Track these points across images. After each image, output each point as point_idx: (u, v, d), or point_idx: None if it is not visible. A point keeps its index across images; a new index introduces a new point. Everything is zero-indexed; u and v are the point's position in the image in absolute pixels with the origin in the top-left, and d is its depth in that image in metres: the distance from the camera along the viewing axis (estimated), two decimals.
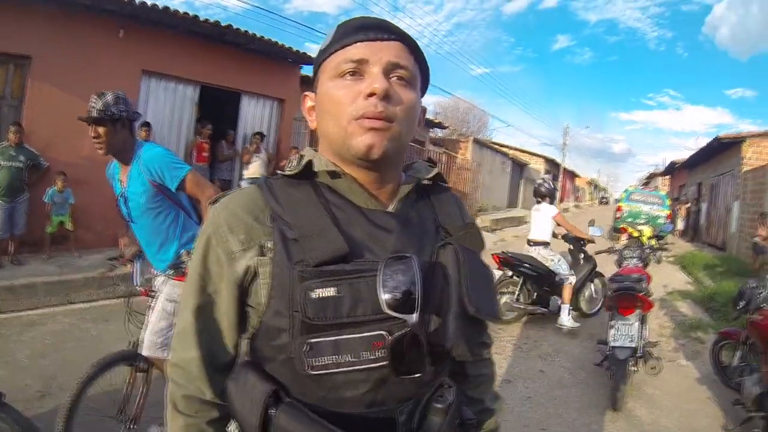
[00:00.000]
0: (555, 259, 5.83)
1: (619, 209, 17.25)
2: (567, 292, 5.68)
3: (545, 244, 5.94)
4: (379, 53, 0.85)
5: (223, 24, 8.32)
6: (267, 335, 0.83)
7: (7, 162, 6.38)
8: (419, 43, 0.93)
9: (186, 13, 7.87)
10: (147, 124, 7.85)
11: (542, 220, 6.00)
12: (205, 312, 0.88)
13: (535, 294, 5.82)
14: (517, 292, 5.76)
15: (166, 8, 7.63)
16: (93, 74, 7.33)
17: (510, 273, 5.82)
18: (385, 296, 0.73)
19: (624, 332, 3.91)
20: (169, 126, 8.74)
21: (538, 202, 6.10)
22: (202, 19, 8.08)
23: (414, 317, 0.73)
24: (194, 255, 0.89)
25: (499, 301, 0.87)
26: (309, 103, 0.97)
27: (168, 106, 8.71)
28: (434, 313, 0.83)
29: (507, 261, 5.75)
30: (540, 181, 6.43)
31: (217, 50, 9.02)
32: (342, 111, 0.84)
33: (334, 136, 0.87)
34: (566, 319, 5.61)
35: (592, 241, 6.18)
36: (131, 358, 2.73)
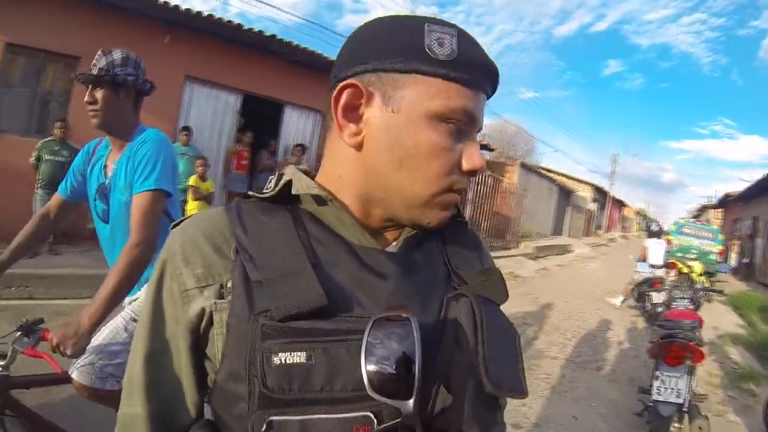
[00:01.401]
0: None
1: (668, 242, 16.62)
2: None
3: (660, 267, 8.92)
4: (482, 116, 0.70)
5: (267, 34, 8.35)
6: (223, 399, 0.63)
7: (51, 156, 6.52)
8: None
9: (230, 22, 7.97)
10: (187, 129, 7.95)
11: (660, 249, 9.28)
12: (158, 360, 0.68)
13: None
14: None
15: (211, 16, 7.77)
16: None
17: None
18: (369, 369, 0.52)
19: (670, 385, 3.51)
20: (210, 132, 8.81)
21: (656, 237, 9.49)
22: (246, 27, 8.14)
23: (410, 404, 0.52)
24: (147, 289, 0.70)
25: (524, 369, 0.68)
26: (354, 100, 0.68)
27: (210, 113, 8.79)
28: (439, 389, 0.61)
29: None
30: (654, 222, 10.44)
31: (261, 60, 9.08)
32: (437, 176, 0.66)
33: (408, 194, 0.67)
34: None
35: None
36: None
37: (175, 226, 0.72)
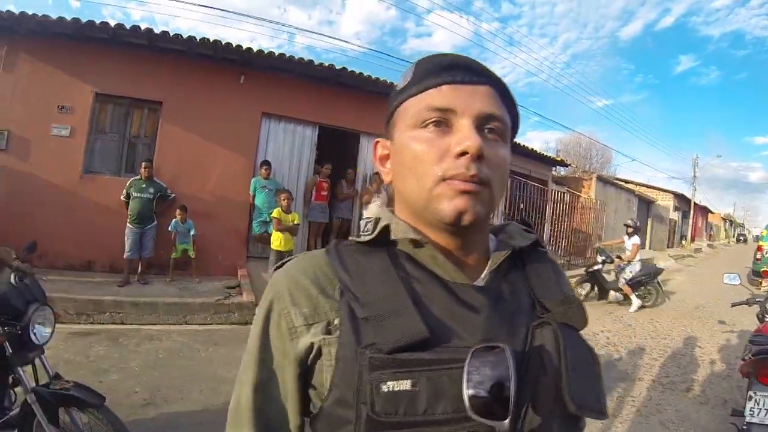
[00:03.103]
0: None
1: (759, 249, 15.64)
2: None
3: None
4: (469, 100, 0.74)
5: (337, 67, 8.63)
6: (329, 423, 0.71)
7: (139, 194, 7.22)
8: (513, 86, 0.81)
9: (301, 59, 8.37)
10: (267, 163, 8.33)
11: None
12: (265, 389, 0.77)
13: None
14: None
15: (282, 54, 8.22)
16: (217, 117, 8.22)
17: None
18: (470, 394, 0.60)
19: (765, 406, 3.29)
20: (288, 165, 9.17)
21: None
22: (317, 63, 8.49)
23: (506, 424, 0.60)
24: (255, 325, 0.79)
25: (604, 391, 0.74)
26: (381, 150, 0.87)
27: (287, 146, 9.16)
28: (528, 410, 0.68)
29: None
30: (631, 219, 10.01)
31: (334, 92, 9.36)
32: (426, 170, 0.73)
33: (415, 198, 0.76)
34: None
35: None
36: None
37: (278, 268, 0.82)
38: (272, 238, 7.28)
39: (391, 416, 0.63)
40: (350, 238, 0.85)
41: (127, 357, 4.80)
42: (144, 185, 7.30)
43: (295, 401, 0.76)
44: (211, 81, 8.28)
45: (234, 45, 7.85)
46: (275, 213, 7.22)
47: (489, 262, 0.80)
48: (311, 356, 0.73)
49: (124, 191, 7.25)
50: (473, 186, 0.72)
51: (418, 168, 0.74)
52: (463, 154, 0.71)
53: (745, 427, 3.39)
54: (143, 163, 7.43)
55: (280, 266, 0.82)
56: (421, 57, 0.81)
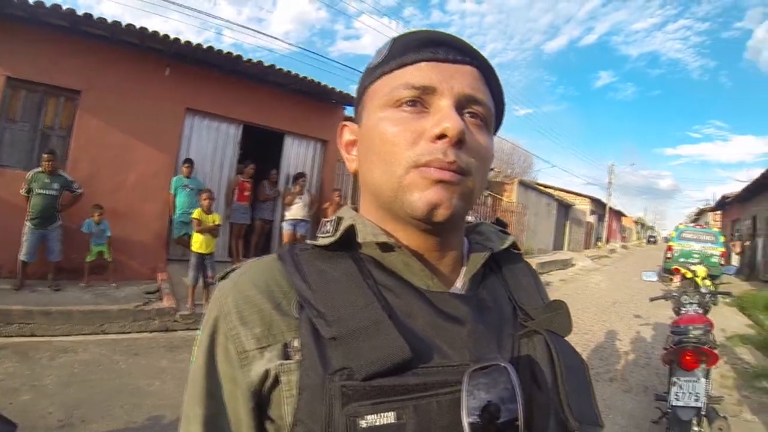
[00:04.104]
0: None
1: (669, 249, 16.68)
2: None
3: None
4: (451, 80, 0.64)
5: (266, 64, 8.43)
6: None
7: (42, 190, 6.49)
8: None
9: (230, 53, 8.03)
10: (189, 161, 8.00)
11: None
12: (216, 424, 0.62)
13: None
14: None
15: (211, 48, 7.83)
16: (139, 110, 7.72)
17: None
18: (471, 422, 0.50)
19: (688, 390, 3.51)
20: (211, 164, 8.85)
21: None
22: (245, 59, 8.21)
23: None
24: (198, 349, 0.65)
25: (596, 401, 0.69)
26: (347, 135, 0.76)
27: (211, 145, 8.83)
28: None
29: None
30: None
31: (261, 90, 9.15)
32: (397, 154, 0.63)
33: (382, 186, 0.65)
34: None
35: None
36: None
37: (223, 277, 0.69)
38: (192, 240, 6.92)
39: None
40: (307, 240, 0.72)
41: (39, 373, 4.39)
42: (47, 180, 6.50)
43: None
44: (135, 72, 7.74)
45: (161, 34, 7.36)
46: (196, 213, 6.87)
47: (465, 267, 0.71)
48: (267, 385, 0.59)
49: (25, 185, 6.44)
50: (450, 175, 0.62)
51: (388, 152, 0.64)
52: (441, 137, 0.61)
53: (669, 410, 3.60)
54: (45, 155, 6.55)
55: (225, 276, 0.70)
56: (405, 33, 0.70)
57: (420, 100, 0.64)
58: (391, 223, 0.67)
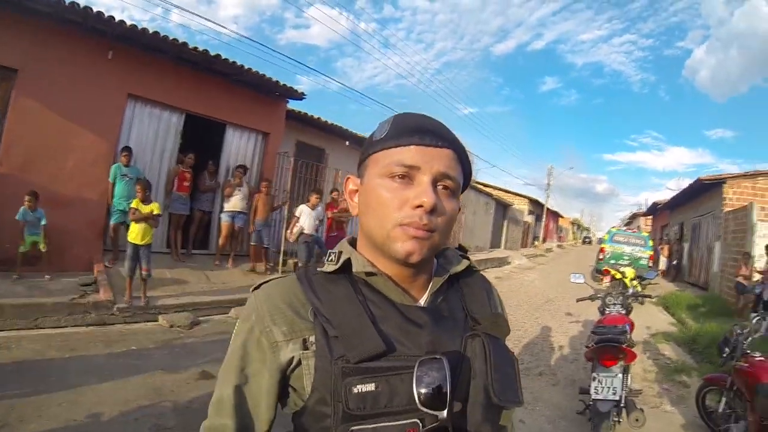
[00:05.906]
0: None
1: (602, 251, 17.35)
2: None
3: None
4: (432, 162, 0.89)
5: (212, 53, 8.31)
6: (311, 416, 0.88)
7: None
8: (465, 146, 0.96)
9: (175, 39, 7.86)
10: (128, 149, 7.79)
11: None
12: (244, 389, 0.92)
13: None
14: None
15: (156, 33, 7.64)
16: (79, 93, 7.41)
17: None
18: (419, 392, 0.78)
19: (606, 384, 3.80)
20: (151, 153, 8.65)
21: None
22: (191, 46, 8.06)
23: (444, 413, 0.79)
24: (236, 336, 0.96)
25: (521, 386, 0.99)
26: (351, 186, 1.02)
27: (152, 132, 8.62)
28: (463, 401, 0.88)
29: None
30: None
31: (205, 79, 9.00)
32: (387, 214, 0.88)
33: (376, 234, 0.91)
34: None
35: None
36: None
37: (257, 288, 0.98)
38: (129, 230, 6.70)
39: (360, 410, 0.82)
40: (318, 268, 0.99)
41: None
42: None
43: (272, 401, 0.92)
44: (77, 52, 7.39)
45: (106, 15, 7.06)
46: (134, 203, 6.68)
47: (429, 286, 0.98)
48: (292, 365, 0.90)
49: None
50: (423, 233, 0.87)
51: (382, 212, 0.89)
52: (419, 206, 0.86)
53: (591, 402, 3.89)
54: None
55: (257, 287, 0.98)
56: (398, 113, 0.97)
57: (408, 174, 0.88)
58: (380, 258, 0.93)
